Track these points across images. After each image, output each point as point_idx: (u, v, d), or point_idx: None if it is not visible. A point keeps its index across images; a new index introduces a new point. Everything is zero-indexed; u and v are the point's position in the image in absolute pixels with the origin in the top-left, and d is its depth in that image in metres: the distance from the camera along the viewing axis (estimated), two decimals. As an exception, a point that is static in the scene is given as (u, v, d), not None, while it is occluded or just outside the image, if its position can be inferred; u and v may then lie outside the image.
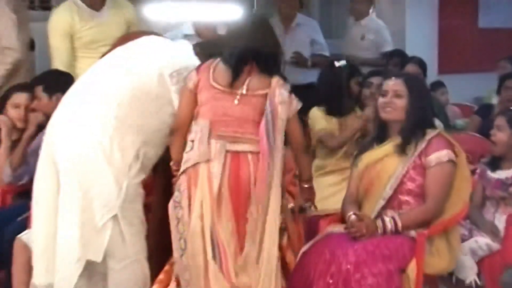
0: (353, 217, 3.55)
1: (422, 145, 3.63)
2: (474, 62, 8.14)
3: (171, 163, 3.49)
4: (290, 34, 6.27)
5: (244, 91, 3.36)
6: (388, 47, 6.71)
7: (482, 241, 4.03)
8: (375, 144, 3.78)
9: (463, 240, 3.95)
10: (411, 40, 7.63)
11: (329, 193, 4.28)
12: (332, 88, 4.74)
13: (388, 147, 3.71)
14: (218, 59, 3.44)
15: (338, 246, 3.44)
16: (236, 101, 3.34)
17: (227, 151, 3.32)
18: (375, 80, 4.92)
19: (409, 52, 6.83)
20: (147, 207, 3.57)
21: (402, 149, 3.63)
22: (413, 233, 3.55)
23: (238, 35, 3.45)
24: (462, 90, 7.26)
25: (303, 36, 6.30)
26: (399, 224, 3.53)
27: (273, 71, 3.41)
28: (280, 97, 3.40)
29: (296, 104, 3.48)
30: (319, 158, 4.72)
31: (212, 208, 3.30)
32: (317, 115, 4.79)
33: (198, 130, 3.37)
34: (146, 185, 3.54)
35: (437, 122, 4.07)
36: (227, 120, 3.37)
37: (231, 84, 3.36)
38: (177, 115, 3.50)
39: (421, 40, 7.77)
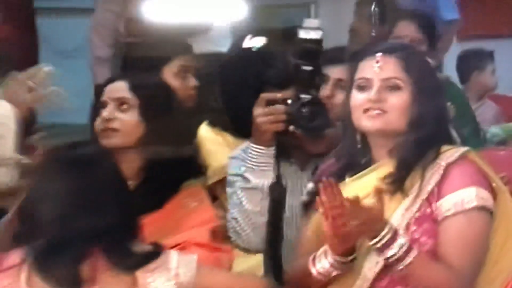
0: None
1: (433, 178, 2.57)
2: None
3: None
4: None
5: None
6: None
7: None
8: (346, 175, 2.72)
9: None
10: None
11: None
12: (235, 88, 3.13)
13: (371, 180, 2.64)
14: (30, 257, 2.32)
15: None
16: None
17: None
18: (332, 72, 3.20)
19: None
20: None
21: (397, 185, 2.59)
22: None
23: (54, 207, 2.28)
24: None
25: None
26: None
27: (139, 262, 2.36)
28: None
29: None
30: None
31: None
32: (211, 140, 3.26)
33: None
34: None
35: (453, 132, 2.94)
36: None
37: None
38: None
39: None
